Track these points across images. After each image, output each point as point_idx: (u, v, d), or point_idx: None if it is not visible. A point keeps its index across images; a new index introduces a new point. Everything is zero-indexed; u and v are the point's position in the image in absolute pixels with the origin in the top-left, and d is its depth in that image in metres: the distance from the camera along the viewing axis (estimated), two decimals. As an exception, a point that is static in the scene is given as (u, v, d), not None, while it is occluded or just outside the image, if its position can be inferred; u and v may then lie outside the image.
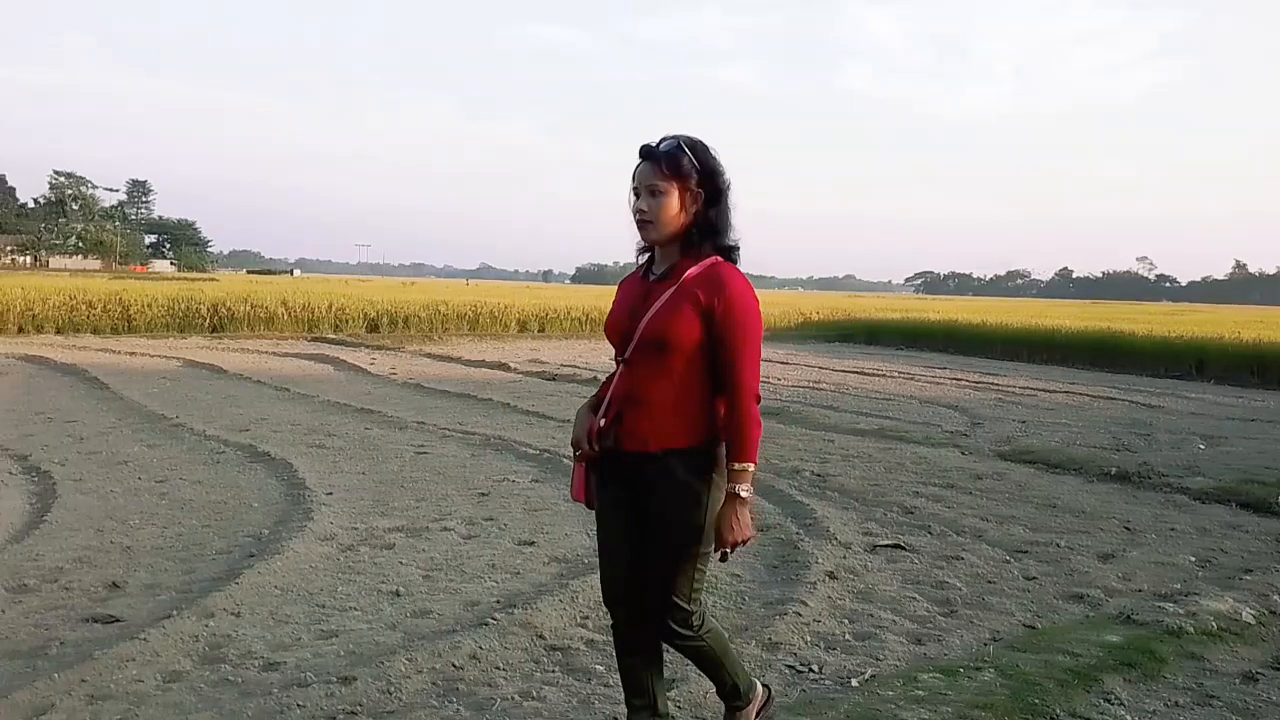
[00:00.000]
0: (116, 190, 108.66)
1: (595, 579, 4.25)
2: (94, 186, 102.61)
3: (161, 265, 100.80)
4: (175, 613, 3.69)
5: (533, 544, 4.95)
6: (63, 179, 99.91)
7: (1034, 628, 3.95)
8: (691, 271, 2.37)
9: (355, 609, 3.89)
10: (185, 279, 42.97)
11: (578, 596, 4.05)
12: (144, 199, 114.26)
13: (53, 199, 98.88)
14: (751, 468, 2.35)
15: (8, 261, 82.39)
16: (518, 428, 8.71)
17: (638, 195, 2.38)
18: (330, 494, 5.83)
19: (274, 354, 16.08)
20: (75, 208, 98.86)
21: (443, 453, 7.41)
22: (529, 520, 5.42)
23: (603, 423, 2.44)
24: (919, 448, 8.28)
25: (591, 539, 5.06)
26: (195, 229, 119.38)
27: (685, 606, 2.45)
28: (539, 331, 24.01)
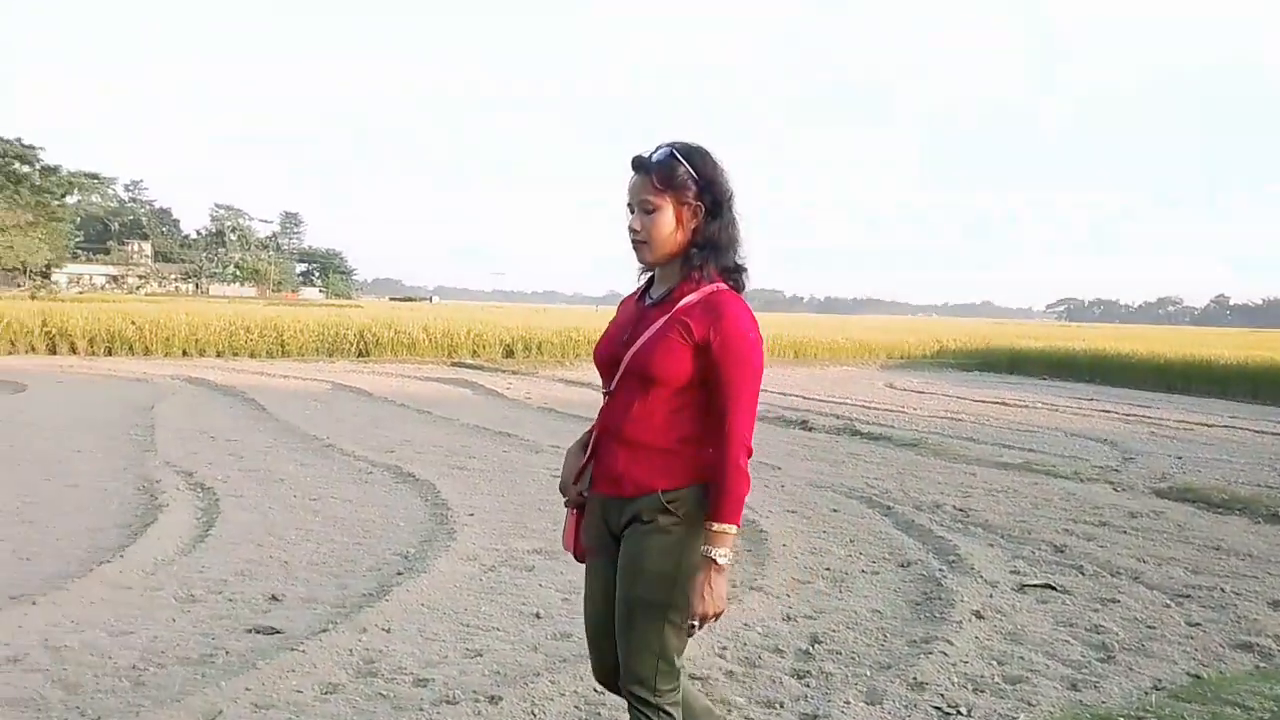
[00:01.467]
0: (271, 222, 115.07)
1: (732, 608, 4.25)
2: (250, 218, 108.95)
3: (310, 292, 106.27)
4: (331, 626, 3.86)
5: (668, 571, 4.95)
6: (222, 212, 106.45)
7: (1200, 677, 3.72)
8: (689, 299, 2.09)
9: (499, 629, 3.98)
10: (333, 305, 45.09)
11: (715, 626, 4.01)
12: (295, 230, 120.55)
13: (213, 230, 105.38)
14: (733, 530, 2.03)
15: (173, 289, 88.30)
16: (650, 454, 8.74)
17: (632, 212, 2.14)
18: (472, 515, 5.99)
19: (416, 378, 16.68)
20: (234, 239, 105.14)
21: (578, 477, 7.50)
22: (664, 547, 5.42)
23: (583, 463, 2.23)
24: (1068, 483, 7.93)
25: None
26: (342, 258, 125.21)
27: (644, 672, 2.09)
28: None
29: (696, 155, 2.11)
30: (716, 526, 2.02)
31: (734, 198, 2.16)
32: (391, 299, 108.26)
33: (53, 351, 18.57)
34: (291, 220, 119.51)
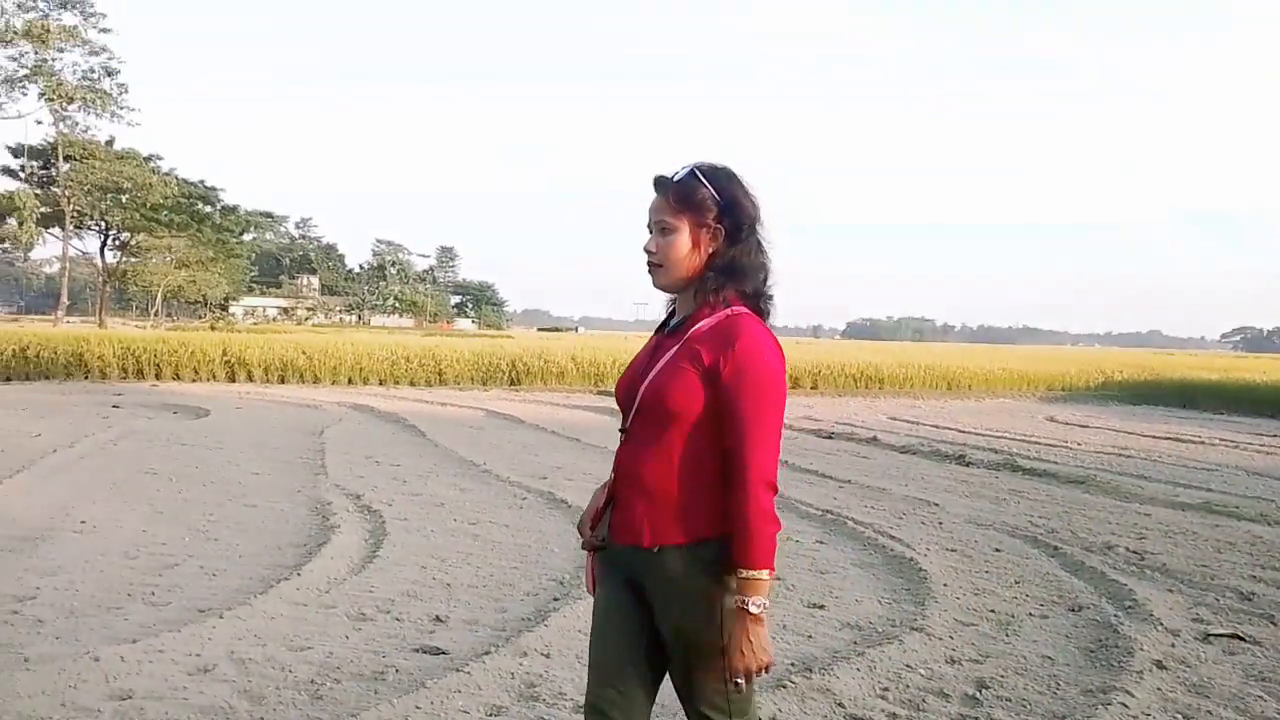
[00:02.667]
0: (428, 256, 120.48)
1: (893, 649, 4.14)
2: (409, 253, 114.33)
3: (464, 323, 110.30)
4: (493, 649, 3.96)
5: (822, 607, 4.87)
6: (383, 246, 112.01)
7: None
8: (702, 325, 1.94)
9: (654, 660, 3.99)
10: (485, 335, 46.62)
11: (876, 666, 3.93)
12: (450, 263, 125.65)
13: (375, 264, 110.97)
14: (766, 576, 1.85)
15: (337, 320, 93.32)
16: (797, 486, 8.65)
17: (651, 233, 2.03)
18: (623, 544, 6.04)
19: (565, 406, 17.03)
20: (393, 272, 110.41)
21: (727, 508, 7.47)
22: (817, 582, 5.34)
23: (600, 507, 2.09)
24: (1253, 525, 7.38)
25: (884, 606, 4.93)
26: (494, 290, 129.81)
27: None
28: (811, 388, 23.81)
29: (720, 175, 2.00)
30: (745, 574, 1.85)
31: (760, 222, 2.02)
32: (539, 329, 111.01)
33: (231, 379, 19.86)
34: (447, 254, 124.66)
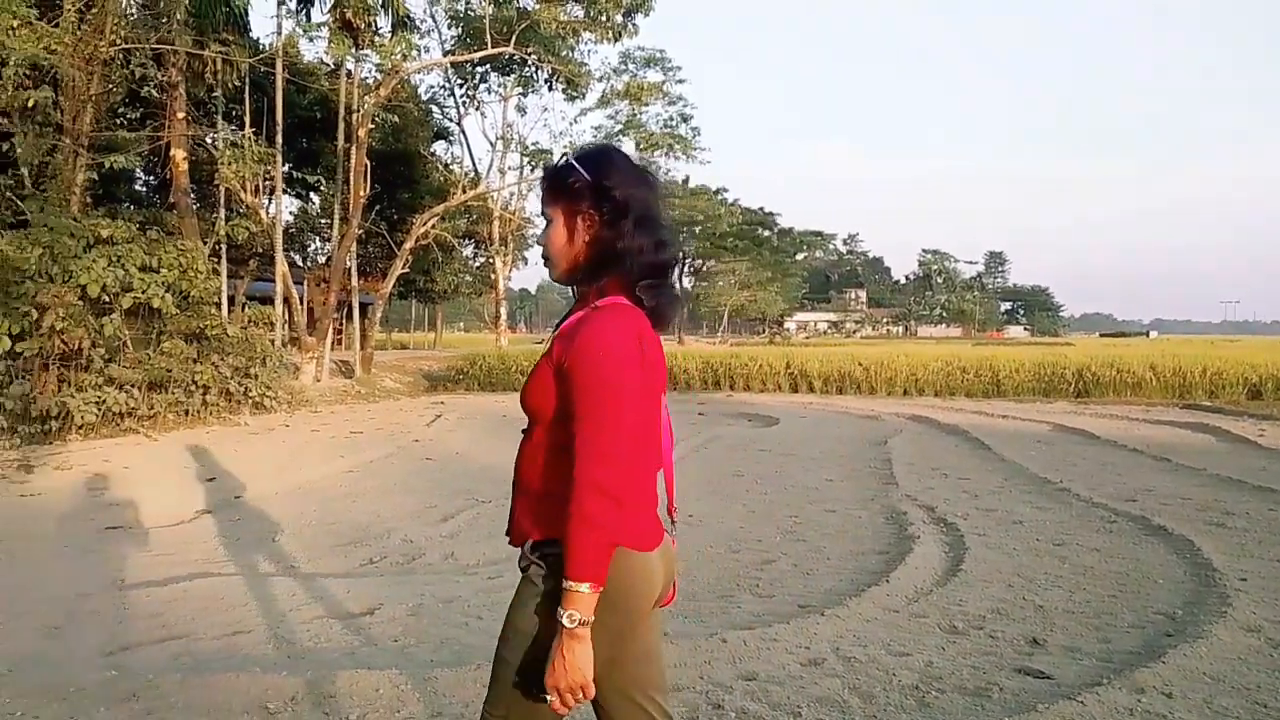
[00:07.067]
0: (975, 263, 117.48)
1: None
2: (955, 261, 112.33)
3: (1015, 331, 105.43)
4: (1104, 681, 3.71)
5: None
6: (929, 256, 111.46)
7: None
8: (572, 319, 1.86)
9: (1308, 719, 3.44)
10: (1040, 344, 43.96)
11: None
12: (999, 269, 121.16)
13: (921, 275, 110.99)
14: (584, 589, 1.70)
15: (884, 331, 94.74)
16: None
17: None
18: (1244, 580, 5.29)
19: (1144, 420, 15.38)
20: (939, 281, 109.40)
21: (1382, 548, 6.18)
22: None
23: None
24: None
25: None
26: (1048, 294, 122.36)
27: None
28: None
29: (600, 157, 1.91)
30: (565, 584, 1.72)
31: (646, 205, 1.89)
32: (1101, 335, 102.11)
33: (794, 390, 21.15)
34: (996, 260, 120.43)
